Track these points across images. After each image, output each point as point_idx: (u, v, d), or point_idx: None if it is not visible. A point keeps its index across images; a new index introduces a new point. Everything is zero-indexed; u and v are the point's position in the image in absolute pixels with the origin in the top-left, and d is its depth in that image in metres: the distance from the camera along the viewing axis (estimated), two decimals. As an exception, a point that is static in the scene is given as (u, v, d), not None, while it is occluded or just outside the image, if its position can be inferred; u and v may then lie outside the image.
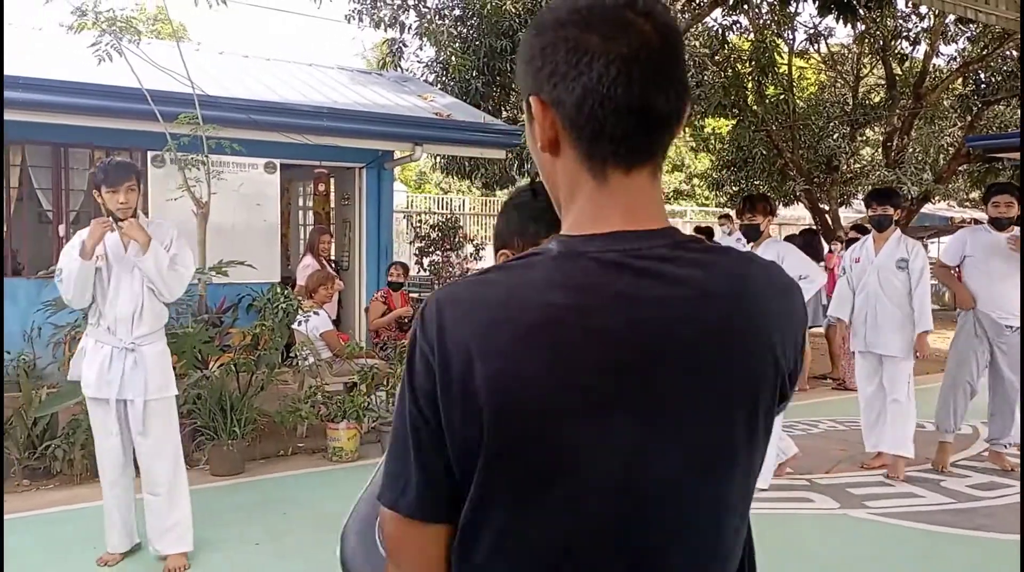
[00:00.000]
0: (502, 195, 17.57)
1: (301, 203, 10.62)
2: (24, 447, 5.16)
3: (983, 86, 13.66)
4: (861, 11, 9.43)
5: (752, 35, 12.77)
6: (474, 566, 0.89)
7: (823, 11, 10.06)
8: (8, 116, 6.79)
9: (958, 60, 13.95)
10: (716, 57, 12.22)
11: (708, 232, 11.36)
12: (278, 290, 7.51)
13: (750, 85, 12.49)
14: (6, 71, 6.67)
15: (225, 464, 5.34)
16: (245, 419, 5.45)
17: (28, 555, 4.00)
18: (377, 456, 5.75)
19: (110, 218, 3.64)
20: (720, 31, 11.84)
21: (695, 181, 21.92)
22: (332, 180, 9.70)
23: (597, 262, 0.87)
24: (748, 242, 5.15)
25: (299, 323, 5.99)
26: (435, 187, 25.10)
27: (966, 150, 13.18)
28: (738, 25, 12.98)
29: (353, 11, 11.01)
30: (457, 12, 11.70)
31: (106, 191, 3.59)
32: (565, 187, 0.93)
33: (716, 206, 16.72)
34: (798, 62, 14.98)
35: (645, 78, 0.87)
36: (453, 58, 11.41)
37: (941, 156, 14.19)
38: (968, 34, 12.85)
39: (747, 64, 12.42)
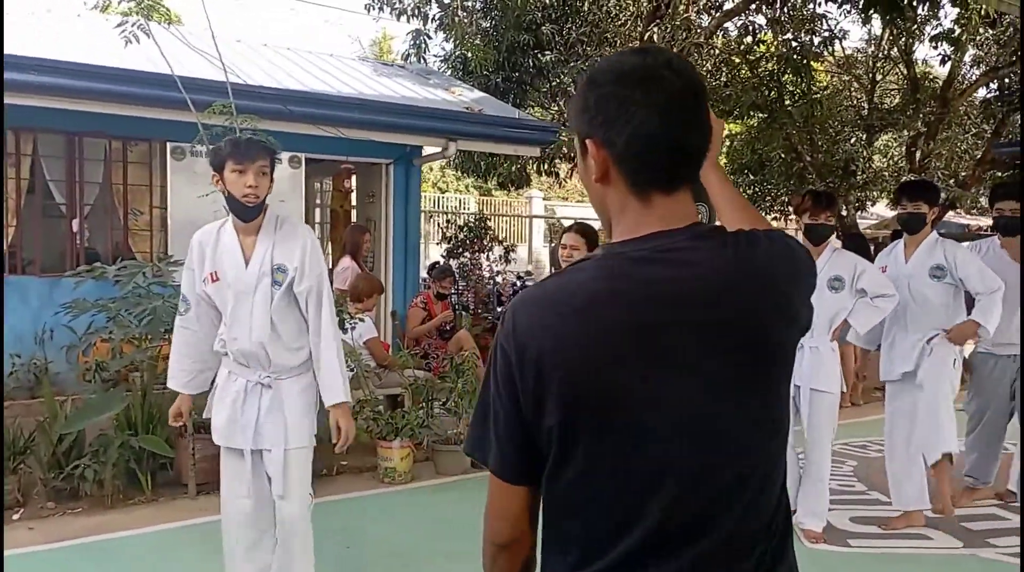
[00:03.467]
0: (517, 195, 17.14)
1: (319, 200, 10.14)
2: (49, 466, 4.66)
3: (1006, 92, 13.42)
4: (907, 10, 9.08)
5: (778, 35, 12.40)
6: (560, 503, 1.13)
7: (867, 9, 9.73)
8: (18, 100, 6.27)
9: (982, 66, 13.70)
10: (748, 56, 11.85)
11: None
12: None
13: (781, 85, 12.13)
14: (15, 51, 6.15)
15: (270, 486, 4.87)
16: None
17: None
18: (432, 478, 5.31)
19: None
20: (751, 28, 11.46)
21: (702, 184, 21.60)
22: (355, 177, 9.22)
23: (629, 258, 1.12)
24: (814, 244, 4.37)
25: (345, 331, 5.52)
26: (431, 187, 24.55)
27: (992, 156, 12.93)
28: (757, 26, 12.59)
29: (374, 1, 10.50)
30: (479, 4, 11.24)
31: (231, 169, 2.88)
32: (615, 208, 1.16)
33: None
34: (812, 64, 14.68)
35: (679, 120, 1.11)
36: (469, 53, 10.97)
37: (965, 162, 13.97)
38: (996, 38, 12.58)
39: (774, 63, 12.05)
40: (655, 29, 10.29)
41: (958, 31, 10.52)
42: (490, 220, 11.65)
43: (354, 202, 9.44)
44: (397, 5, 10.46)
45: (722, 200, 1.43)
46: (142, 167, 7.49)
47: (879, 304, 4.30)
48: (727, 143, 15.46)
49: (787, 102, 12.11)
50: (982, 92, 14.10)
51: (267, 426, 3.00)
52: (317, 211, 10.14)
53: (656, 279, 1.09)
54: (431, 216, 14.13)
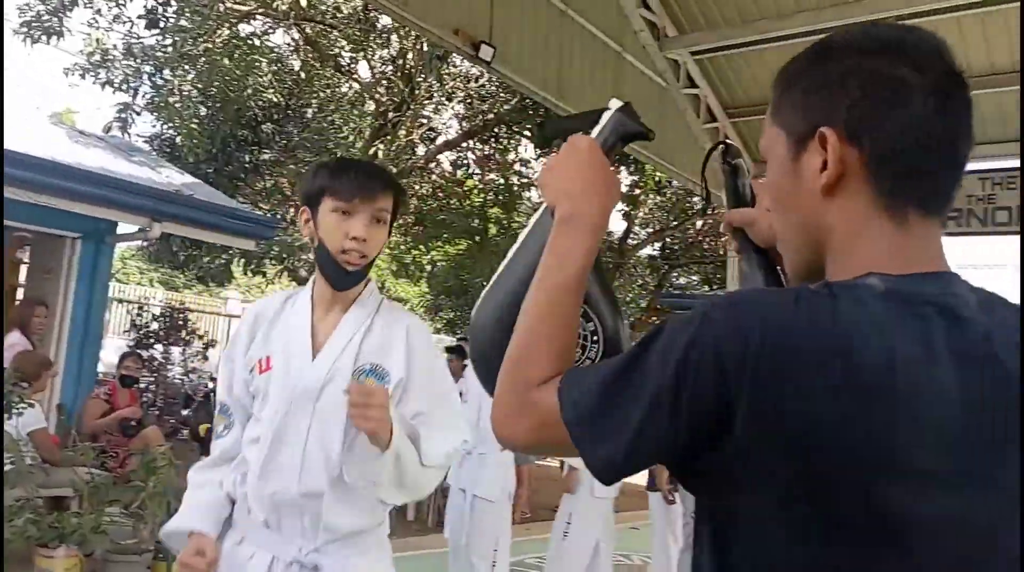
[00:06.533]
0: (212, 294, 16.05)
1: (-26, 271, 8.64)
2: None
3: (667, 250, 15.71)
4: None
5: (486, 174, 13.42)
6: None
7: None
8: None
9: (649, 227, 15.93)
10: (461, 186, 12.60)
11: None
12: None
13: (487, 217, 13.00)
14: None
15: None
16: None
17: None
18: (101, 594, 4.48)
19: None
20: (463, 163, 12.28)
21: (407, 305, 22.09)
22: (29, 249, 8.06)
23: (935, 308, 0.76)
24: None
25: (10, 416, 4.62)
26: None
27: (656, 305, 14.86)
28: (469, 161, 13.56)
29: (74, 65, 9.61)
30: (196, 90, 10.79)
31: (331, 207, 1.73)
32: (845, 230, 0.82)
33: (432, 331, 16.88)
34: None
35: (958, 117, 0.81)
36: (179, 137, 10.43)
37: (633, 309, 15.90)
38: (663, 205, 14.75)
39: (482, 196, 12.94)
40: (380, 146, 10.59)
41: (637, 191, 12.13)
42: (188, 313, 10.73)
43: (22, 277, 8.20)
44: (102, 75, 9.68)
45: None
46: None
47: None
48: (430, 267, 16.08)
49: (493, 233, 12.99)
50: (647, 250, 16.37)
51: None
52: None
53: (969, 356, 0.76)
54: (110, 304, 12.68)
